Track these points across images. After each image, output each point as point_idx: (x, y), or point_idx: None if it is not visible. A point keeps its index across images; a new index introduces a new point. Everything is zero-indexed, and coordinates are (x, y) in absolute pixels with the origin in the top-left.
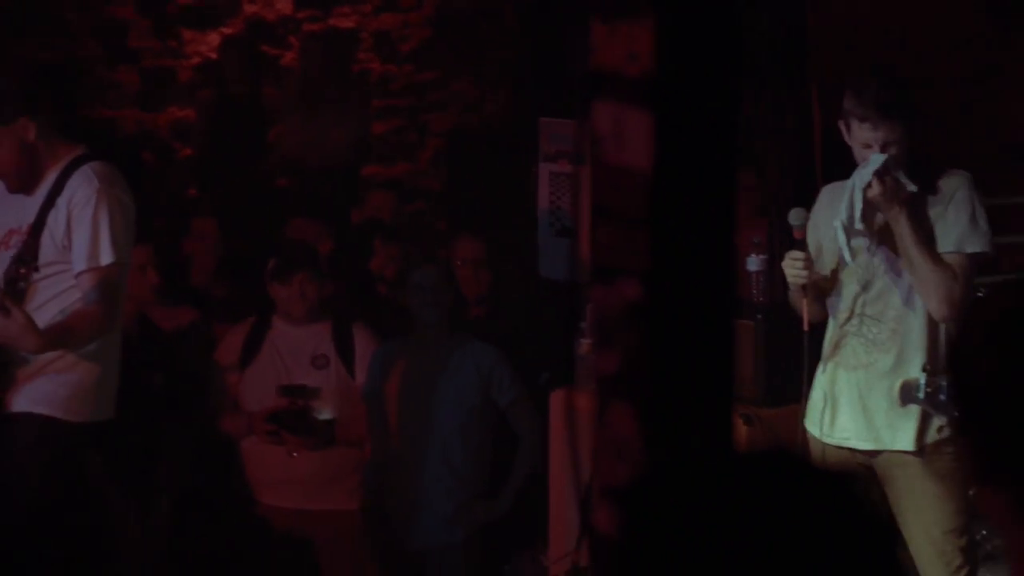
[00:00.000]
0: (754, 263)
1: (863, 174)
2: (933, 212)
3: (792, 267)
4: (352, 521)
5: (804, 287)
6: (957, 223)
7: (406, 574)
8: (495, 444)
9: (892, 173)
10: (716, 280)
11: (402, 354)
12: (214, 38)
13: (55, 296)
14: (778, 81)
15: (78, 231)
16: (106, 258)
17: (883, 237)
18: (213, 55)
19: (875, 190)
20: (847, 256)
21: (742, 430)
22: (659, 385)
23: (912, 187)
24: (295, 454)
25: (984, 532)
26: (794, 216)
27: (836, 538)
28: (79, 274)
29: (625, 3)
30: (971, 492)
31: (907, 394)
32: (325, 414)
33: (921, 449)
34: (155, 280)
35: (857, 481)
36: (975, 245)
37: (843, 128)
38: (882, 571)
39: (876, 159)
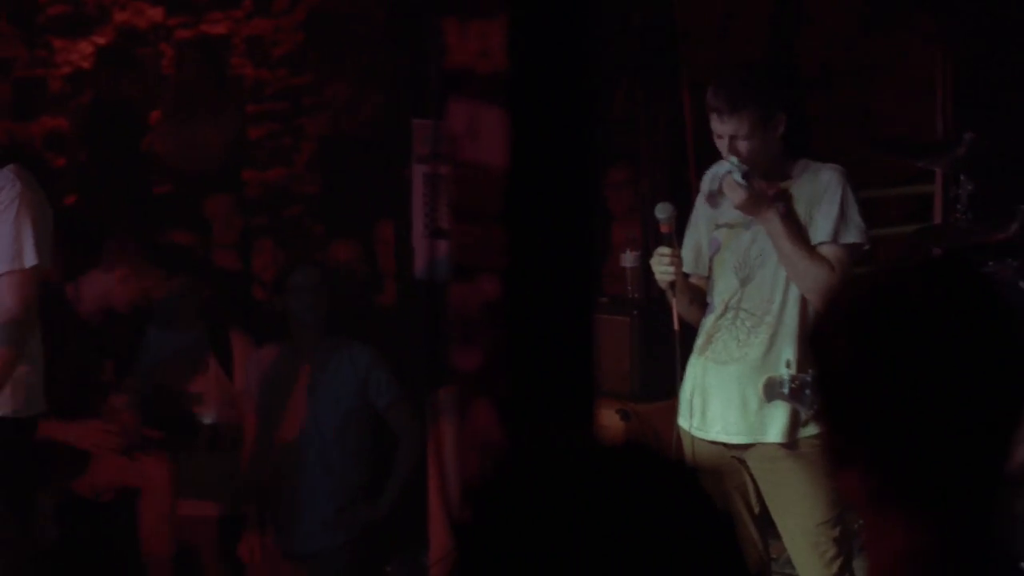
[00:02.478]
0: (628, 259)
1: (712, 177)
2: (807, 206)
3: (659, 263)
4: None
5: (672, 284)
6: (830, 215)
7: None
8: (375, 445)
9: (749, 180)
10: (575, 276)
11: (279, 357)
12: (85, 46)
13: None
14: (650, 78)
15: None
16: (29, 260)
17: (760, 232)
18: (84, 64)
19: (738, 199)
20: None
21: (619, 426)
22: (520, 382)
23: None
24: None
25: (861, 521)
26: (660, 210)
27: (675, 532)
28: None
29: (478, 1)
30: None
31: (771, 391)
32: (206, 419)
33: (792, 442)
34: None
35: (705, 474)
36: (848, 236)
37: None
38: (724, 567)
39: (721, 166)
